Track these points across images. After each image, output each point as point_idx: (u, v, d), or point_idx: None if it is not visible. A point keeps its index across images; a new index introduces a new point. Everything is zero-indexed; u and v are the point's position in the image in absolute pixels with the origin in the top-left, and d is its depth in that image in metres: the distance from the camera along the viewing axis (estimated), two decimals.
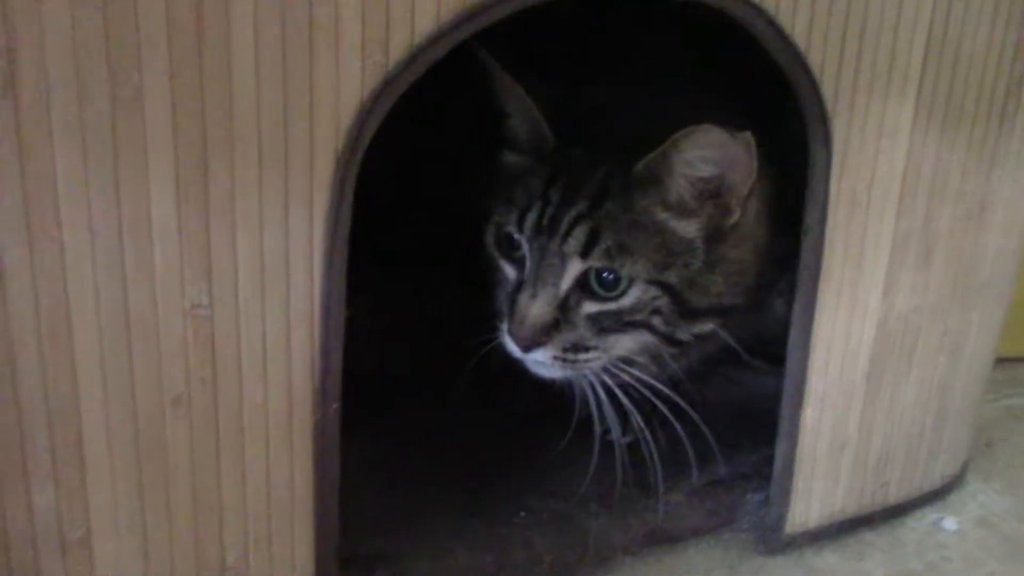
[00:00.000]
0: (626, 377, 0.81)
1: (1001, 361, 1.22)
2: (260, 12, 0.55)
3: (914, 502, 0.95)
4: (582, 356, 0.78)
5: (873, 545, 0.91)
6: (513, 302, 0.78)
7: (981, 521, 0.95)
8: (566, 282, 0.77)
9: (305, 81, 0.58)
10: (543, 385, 0.85)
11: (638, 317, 0.77)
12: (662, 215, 0.76)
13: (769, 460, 0.88)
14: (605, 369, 0.81)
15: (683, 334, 0.80)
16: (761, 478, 0.90)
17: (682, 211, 0.76)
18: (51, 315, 0.57)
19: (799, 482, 0.86)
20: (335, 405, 0.66)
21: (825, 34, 0.72)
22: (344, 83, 0.59)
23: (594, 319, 0.77)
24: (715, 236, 0.78)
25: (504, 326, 0.79)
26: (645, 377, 0.81)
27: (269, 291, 0.62)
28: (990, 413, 1.13)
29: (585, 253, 0.76)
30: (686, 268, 0.77)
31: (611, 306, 0.77)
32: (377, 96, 0.60)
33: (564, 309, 0.77)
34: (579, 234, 0.75)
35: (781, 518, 0.87)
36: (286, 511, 0.68)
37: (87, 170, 0.54)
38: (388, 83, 0.60)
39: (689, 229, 0.77)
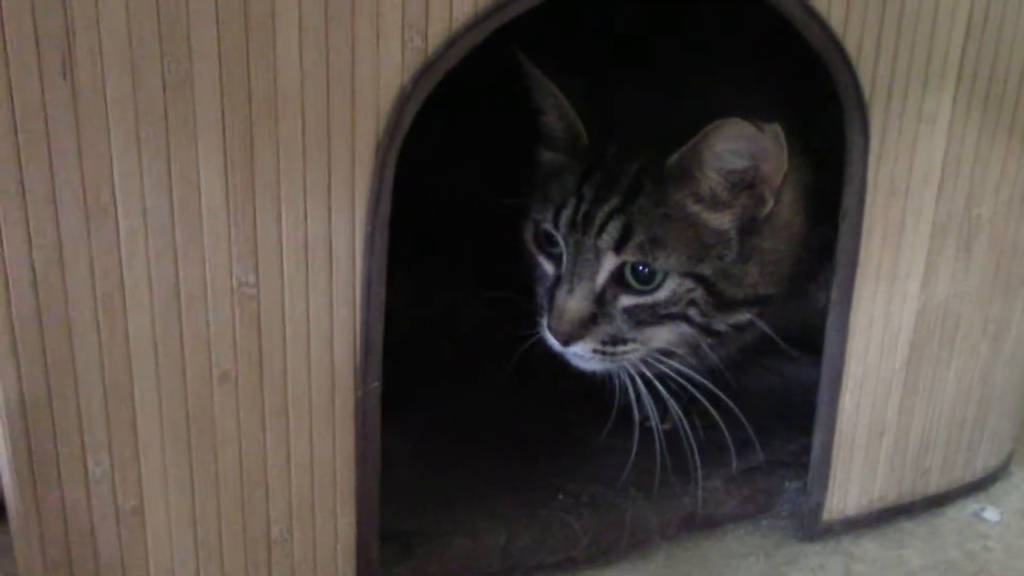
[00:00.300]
0: (664, 368, 0.82)
1: None
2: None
3: (955, 492, 0.94)
4: (620, 348, 0.80)
5: (912, 534, 0.90)
6: (552, 297, 0.80)
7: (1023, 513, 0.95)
8: (602, 277, 0.78)
9: (347, 66, 0.60)
10: (583, 376, 0.86)
11: (674, 309, 0.79)
12: (695, 208, 0.77)
13: (807, 449, 0.88)
14: (644, 361, 0.82)
15: (720, 324, 0.81)
16: (799, 466, 0.90)
17: (715, 204, 0.77)
18: (106, 291, 0.60)
19: (837, 469, 0.86)
20: (375, 383, 0.68)
21: (863, 19, 0.72)
22: (384, 68, 0.61)
23: (631, 312, 0.79)
24: (749, 227, 0.78)
25: (544, 321, 0.81)
26: (683, 368, 0.82)
27: (313, 270, 0.64)
28: None
29: (619, 248, 0.77)
30: (720, 260, 0.78)
31: (647, 299, 0.78)
32: (416, 81, 0.62)
33: (601, 303, 0.79)
34: (612, 229, 0.77)
35: (819, 505, 0.88)
36: (329, 486, 0.70)
37: (140, 150, 0.57)
38: (427, 68, 0.62)
39: (722, 221, 0.78)
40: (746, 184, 0.77)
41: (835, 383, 0.83)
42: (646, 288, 0.78)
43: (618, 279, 0.78)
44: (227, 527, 0.69)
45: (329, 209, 0.63)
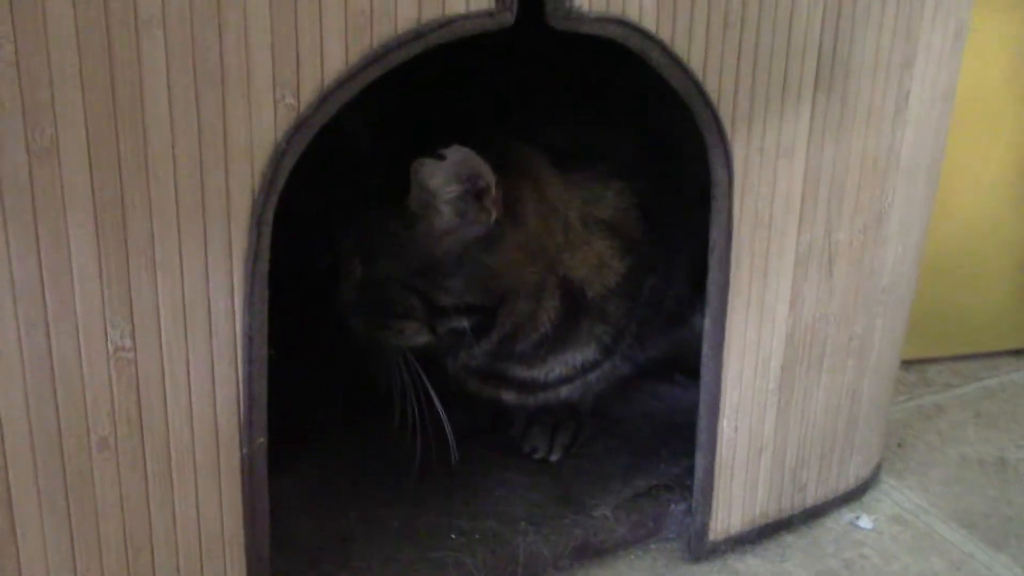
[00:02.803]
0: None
1: (912, 363, 1.28)
2: (171, 62, 0.57)
3: (831, 503, 0.99)
4: (383, 333, 0.86)
5: (793, 547, 0.94)
6: None
7: (895, 518, 0.99)
8: (357, 274, 0.85)
9: (219, 127, 0.60)
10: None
11: (398, 309, 0.84)
12: (426, 237, 0.82)
13: (691, 471, 0.91)
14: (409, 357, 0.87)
15: (440, 327, 0.85)
16: (684, 488, 0.93)
17: (447, 230, 0.82)
18: None
19: (719, 490, 0.89)
20: (261, 439, 0.68)
21: (720, 60, 0.75)
22: (257, 127, 0.61)
23: (375, 304, 0.85)
24: (472, 243, 0.83)
25: None
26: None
27: (192, 331, 0.63)
28: (902, 414, 1.18)
29: (354, 253, 0.85)
30: (434, 274, 0.83)
31: (379, 297, 0.84)
32: (290, 138, 0.62)
33: (360, 293, 0.85)
34: (353, 235, 0.85)
35: (704, 526, 0.90)
36: (217, 545, 0.69)
37: (5, 219, 0.56)
38: (300, 125, 0.62)
39: (450, 244, 0.82)
40: (472, 201, 0.81)
41: (713, 408, 0.87)
42: (379, 291, 0.84)
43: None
44: None
45: (206, 269, 0.62)
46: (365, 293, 0.85)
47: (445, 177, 0.79)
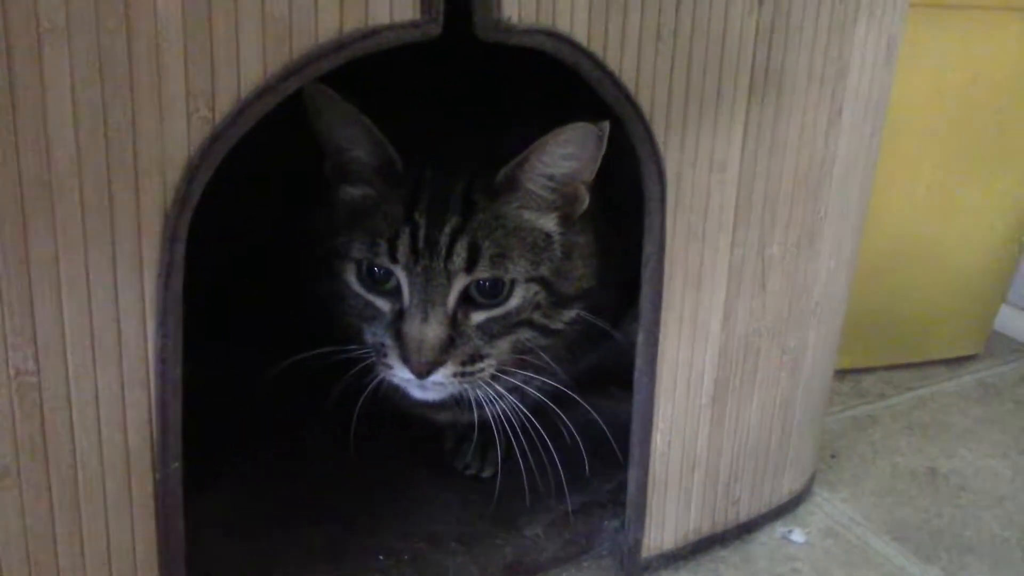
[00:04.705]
0: (515, 380, 0.83)
1: (847, 373, 1.28)
2: (77, 72, 0.54)
3: (764, 517, 0.98)
4: (478, 366, 0.80)
5: (726, 562, 0.94)
6: (399, 332, 0.78)
7: (828, 531, 0.99)
8: (452, 299, 0.78)
9: (128, 140, 0.57)
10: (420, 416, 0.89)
11: (524, 316, 0.80)
12: (526, 216, 0.80)
13: (624, 487, 0.90)
14: (494, 377, 0.82)
15: (557, 323, 0.83)
16: (617, 504, 0.92)
17: (542, 208, 0.80)
18: None
19: (653, 506, 0.88)
20: (176, 464, 0.65)
21: (653, 73, 0.74)
22: (169, 140, 0.58)
23: (483, 327, 0.80)
24: (567, 223, 0.82)
25: (393, 358, 0.79)
26: (540, 377, 0.85)
27: (100, 353, 0.60)
28: (836, 425, 1.19)
29: (470, 267, 0.77)
30: (551, 261, 0.81)
31: (499, 311, 0.79)
32: (205, 152, 0.59)
33: (454, 325, 0.78)
34: (460, 249, 0.77)
35: (638, 542, 0.89)
36: (129, 574, 0.66)
37: None
38: (216, 138, 0.59)
39: (548, 223, 0.81)
40: (566, 183, 0.79)
41: (646, 423, 0.85)
42: (496, 300, 0.79)
43: (466, 298, 0.79)
44: None
45: (116, 289, 0.59)
46: (465, 318, 0.79)
47: (569, 151, 0.77)
